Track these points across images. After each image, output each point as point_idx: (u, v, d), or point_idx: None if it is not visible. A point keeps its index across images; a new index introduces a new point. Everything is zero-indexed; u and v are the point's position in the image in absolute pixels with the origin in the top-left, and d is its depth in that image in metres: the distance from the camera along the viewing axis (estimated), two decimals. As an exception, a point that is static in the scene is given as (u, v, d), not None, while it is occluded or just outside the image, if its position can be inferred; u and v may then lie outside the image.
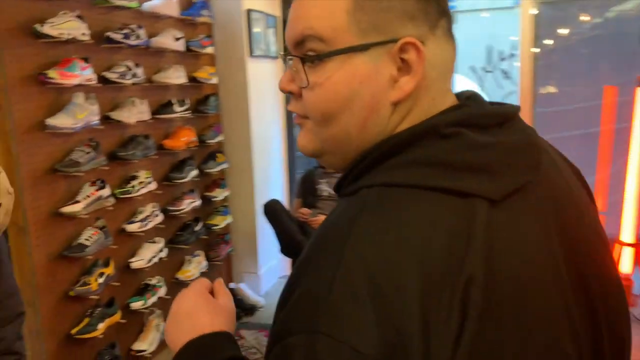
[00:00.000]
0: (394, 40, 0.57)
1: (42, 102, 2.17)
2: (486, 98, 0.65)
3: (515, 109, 0.63)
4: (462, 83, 10.16)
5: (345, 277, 0.49)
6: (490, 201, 0.53)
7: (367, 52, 0.57)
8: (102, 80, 2.46)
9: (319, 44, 0.58)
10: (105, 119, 2.49)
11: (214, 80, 3.34)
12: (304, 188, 3.42)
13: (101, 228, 2.39)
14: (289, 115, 4.12)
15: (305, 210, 3.19)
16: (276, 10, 3.90)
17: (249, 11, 3.47)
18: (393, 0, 0.57)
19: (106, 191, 2.40)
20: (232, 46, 3.47)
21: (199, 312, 0.70)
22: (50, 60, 2.20)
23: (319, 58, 0.58)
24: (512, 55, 9.05)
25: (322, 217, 3.19)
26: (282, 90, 0.65)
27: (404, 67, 0.57)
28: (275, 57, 3.89)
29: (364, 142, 0.60)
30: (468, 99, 0.64)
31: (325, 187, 3.36)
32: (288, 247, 3.08)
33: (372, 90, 0.58)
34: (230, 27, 3.46)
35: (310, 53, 0.59)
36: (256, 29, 3.56)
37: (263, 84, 3.74)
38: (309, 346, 0.48)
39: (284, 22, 4.08)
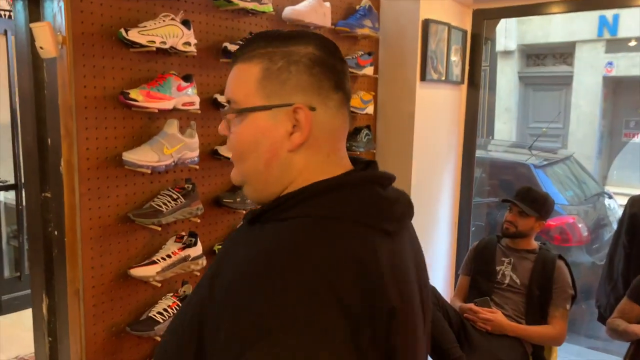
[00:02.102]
0: (290, 104, 0.77)
1: (123, 130, 1.66)
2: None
3: (393, 176, 0.84)
4: None
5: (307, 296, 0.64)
6: (387, 234, 0.75)
7: (270, 111, 0.77)
8: (213, 104, 1.90)
9: (236, 104, 0.79)
10: (212, 155, 1.93)
11: (369, 110, 2.60)
12: (477, 264, 2.46)
13: (182, 299, 1.80)
14: (467, 158, 3.18)
15: (473, 306, 2.23)
16: (466, 23, 3.02)
17: (426, 22, 2.66)
18: (290, 76, 0.77)
19: (196, 250, 1.81)
20: (400, 67, 2.70)
21: None
22: (140, 75, 1.69)
23: (235, 112, 0.80)
24: None
25: (497, 315, 2.20)
26: (221, 133, 0.84)
27: (297, 125, 0.77)
28: (457, 82, 3.01)
29: (273, 179, 0.80)
30: (370, 163, 0.86)
31: (509, 271, 2.35)
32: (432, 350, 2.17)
33: (272, 140, 0.78)
34: (399, 42, 2.69)
35: (232, 111, 0.81)
36: (434, 46, 2.73)
37: (436, 117, 2.88)
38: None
39: (475, 38, 3.18)
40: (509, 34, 10.10)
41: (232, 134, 0.80)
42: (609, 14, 9.14)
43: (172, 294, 1.81)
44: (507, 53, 10.44)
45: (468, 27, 3.03)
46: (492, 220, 4.54)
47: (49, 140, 1.68)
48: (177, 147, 1.71)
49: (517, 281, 2.30)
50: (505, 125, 10.44)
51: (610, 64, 9.48)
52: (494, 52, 10.62)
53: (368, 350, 0.65)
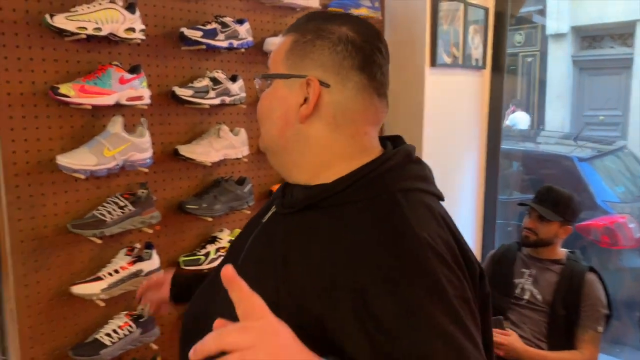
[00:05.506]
0: (304, 76, 0.79)
1: (60, 130, 1.47)
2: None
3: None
4: None
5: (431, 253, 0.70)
6: (440, 199, 0.83)
7: (288, 80, 0.81)
8: (172, 98, 1.68)
9: (269, 72, 0.85)
10: (174, 156, 1.71)
11: (369, 101, 2.32)
12: (493, 275, 2.13)
13: (136, 319, 1.60)
14: (491, 152, 2.83)
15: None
16: (487, 0, 2.66)
17: (436, 0, 2.33)
18: (314, 50, 0.80)
19: (151, 264, 1.61)
20: (406, 51, 2.39)
21: None
22: (80, 68, 1.50)
23: (260, 77, 0.86)
24: None
25: (511, 337, 1.87)
26: None
27: (307, 98, 0.79)
28: (478, 67, 2.66)
29: (291, 149, 0.83)
30: (398, 138, 0.88)
31: (529, 285, 2.02)
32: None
33: (285, 108, 0.81)
34: (406, 23, 2.39)
35: (257, 76, 0.87)
36: (447, 26, 2.41)
37: (452, 106, 2.56)
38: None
39: (498, 16, 2.82)
40: (561, 15, 9.38)
41: (259, 99, 0.85)
42: (674, -12, 8.28)
43: (126, 312, 1.62)
44: (559, 36, 9.71)
45: (490, 5, 2.67)
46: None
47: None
48: (121, 148, 1.50)
49: (539, 297, 1.97)
50: (557, 114, 9.73)
51: (676, 43, 8.60)
52: (544, 35, 9.93)
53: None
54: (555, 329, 1.91)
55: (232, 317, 0.60)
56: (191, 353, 0.57)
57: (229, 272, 0.60)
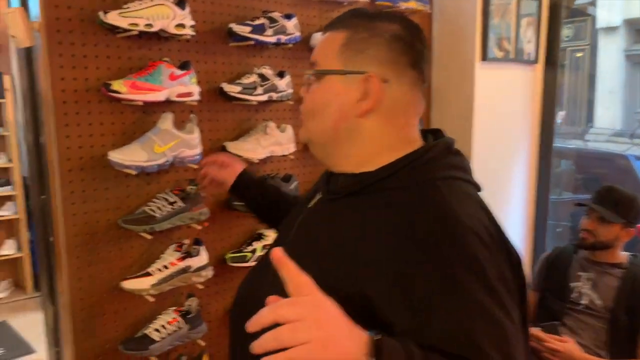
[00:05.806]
0: (363, 73, 0.82)
1: (112, 126, 1.49)
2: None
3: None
4: None
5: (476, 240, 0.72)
6: (478, 189, 0.86)
7: (344, 76, 0.83)
8: (220, 94, 1.67)
9: (317, 67, 0.86)
10: (221, 151, 1.71)
11: (417, 96, 2.26)
12: (547, 278, 2.04)
13: (184, 314, 1.60)
14: (544, 150, 2.71)
15: (539, 332, 1.80)
16: (541, -9, 2.55)
17: (487, -9, 2.25)
18: (369, 47, 0.82)
19: (199, 260, 1.61)
20: (456, 46, 2.32)
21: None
22: (131, 64, 1.51)
23: (314, 73, 0.87)
24: None
25: (568, 344, 1.78)
26: (301, 94, 0.91)
27: (367, 93, 0.82)
28: (530, 62, 2.55)
29: (343, 141, 0.85)
30: (438, 131, 0.91)
31: (587, 289, 1.92)
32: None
33: (341, 103, 0.84)
34: (455, 17, 2.31)
35: (312, 71, 0.88)
36: (498, 19, 2.32)
37: (503, 102, 2.46)
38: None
39: (552, 8, 2.69)
40: (613, 7, 8.99)
41: (308, 93, 0.88)
42: None
43: (174, 308, 1.62)
44: (610, 29, 9.31)
45: (543, -5, 2.56)
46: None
47: (40, 139, 1.56)
48: (171, 144, 1.50)
49: (599, 302, 1.86)
50: (608, 111, 9.34)
51: None
52: (594, 29, 9.54)
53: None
54: (616, 336, 1.81)
55: (283, 295, 0.65)
56: (248, 325, 0.62)
57: (278, 253, 0.65)
